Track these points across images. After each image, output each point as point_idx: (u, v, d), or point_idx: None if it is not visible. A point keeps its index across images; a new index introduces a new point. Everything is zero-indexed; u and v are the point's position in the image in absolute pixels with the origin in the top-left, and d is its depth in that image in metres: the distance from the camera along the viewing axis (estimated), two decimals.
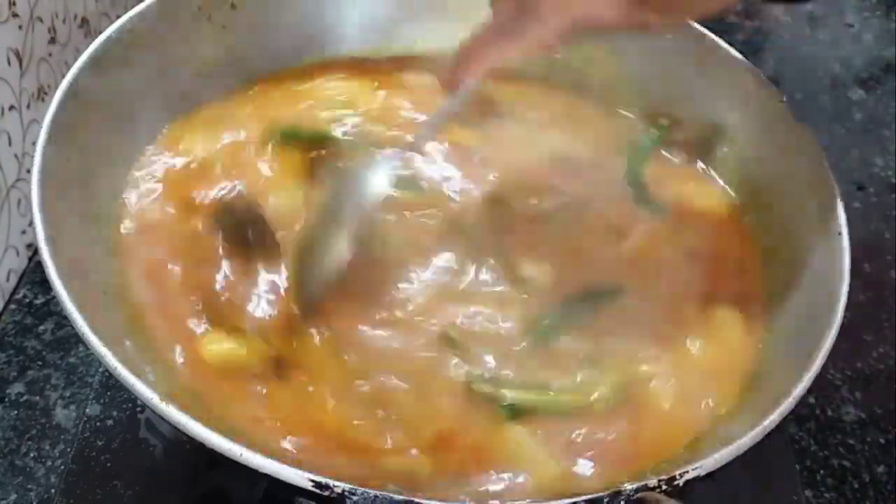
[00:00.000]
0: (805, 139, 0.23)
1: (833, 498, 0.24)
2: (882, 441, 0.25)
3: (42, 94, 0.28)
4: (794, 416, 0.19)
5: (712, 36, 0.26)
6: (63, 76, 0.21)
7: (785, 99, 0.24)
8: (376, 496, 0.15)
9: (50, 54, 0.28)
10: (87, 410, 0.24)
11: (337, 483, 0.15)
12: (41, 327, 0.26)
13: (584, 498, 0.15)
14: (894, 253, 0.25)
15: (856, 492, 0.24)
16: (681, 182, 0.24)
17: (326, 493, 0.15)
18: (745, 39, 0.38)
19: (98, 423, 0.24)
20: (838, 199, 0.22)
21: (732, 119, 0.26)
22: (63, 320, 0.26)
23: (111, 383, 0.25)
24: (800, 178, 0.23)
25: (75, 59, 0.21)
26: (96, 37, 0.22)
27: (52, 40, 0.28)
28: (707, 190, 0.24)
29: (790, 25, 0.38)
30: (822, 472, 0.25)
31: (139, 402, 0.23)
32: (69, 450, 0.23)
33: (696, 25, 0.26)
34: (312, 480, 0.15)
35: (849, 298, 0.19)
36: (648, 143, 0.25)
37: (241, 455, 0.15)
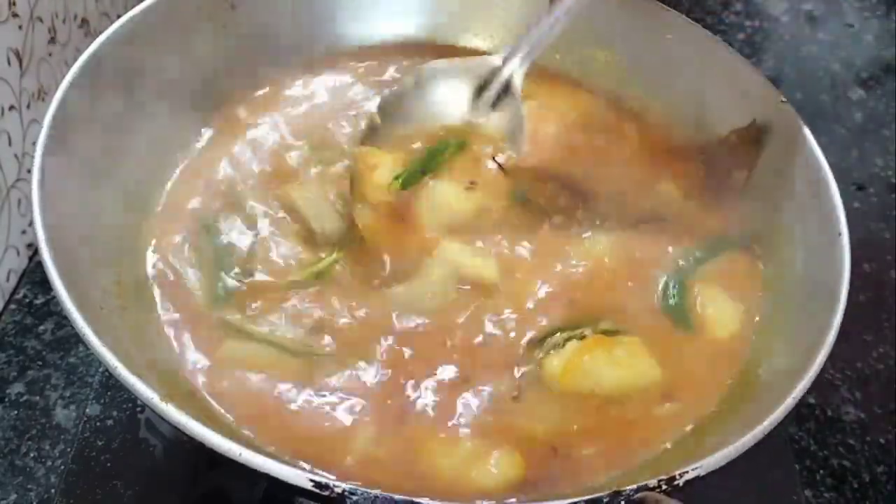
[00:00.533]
0: (805, 140, 0.23)
1: (833, 498, 0.24)
2: (882, 441, 0.25)
3: (42, 94, 0.28)
4: (794, 415, 0.19)
5: (713, 36, 0.26)
6: (63, 76, 0.21)
7: (784, 99, 0.24)
8: (377, 496, 0.15)
9: (50, 54, 0.28)
10: (87, 410, 0.24)
11: (337, 483, 0.15)
12: (41, 327, 0.27)
13: (584, 498, 0.15)
14: (894, 253, 0.25)
15: (855, 492, 0.24)
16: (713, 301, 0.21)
17: (326, 493, 0.15)
18: (746, 39, 0.38)
19: (98, 423, 0.24)
20: (838, 200, 0.22)
21: (732, 119, 0.26)
22: (63, 320, 0.26)
23: (111, 383, 0.25)
24: (800, 178, 0.23)
25: (75, 59, 0.21)
26: (96, 37, 0.22)
27: (52, 40, 0.28)
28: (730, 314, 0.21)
29: (790, 25, 0.38)
30: (821, 472, 0.25)
31: (139, 402, 0.23)
32: (69, 450, 0.23)
33: (698, 26, 0.26)
34: (312, 480, 0.15)
35: (849, 298, 0.19)
36: (693, 264, 0.22)
37: (240, 455, 0.15)
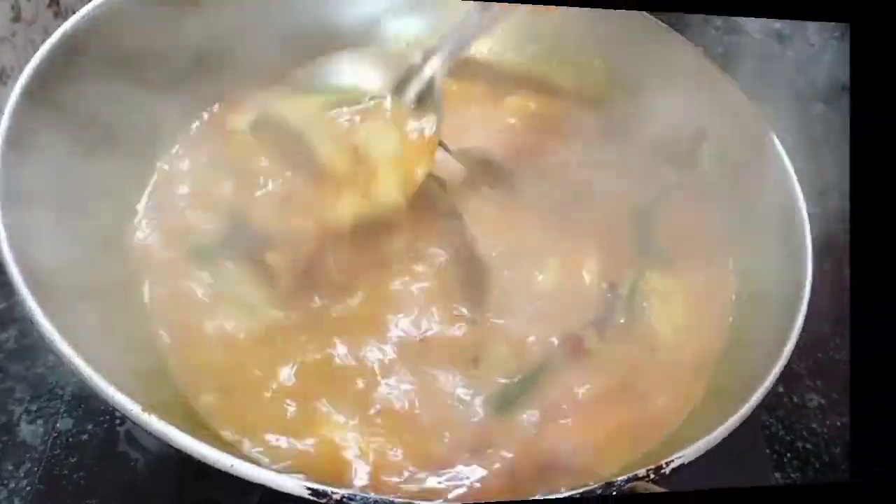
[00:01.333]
0: (772, 145, 0.25)
1: (798, 478, 0.26)
2: (838, 424, 0.28)
3: (4, 77, 0.25)
4: (765, 405, 0.21)
5: (693, 46, 0.28)
6: (28, 59, 0.19)
7: (755, 107, 0.26)
8: (376, 501, 0.15)
9: (13, 34, 0.26)
10: (58, 425, 0.23)
11: (336, 490, 0.15)
12: (3, 335, 0.25)
13: (578, 490, 0.16)
14: (849, 254, 0.27)
15: (817, 472, 0.27)
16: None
17: (324, 501, 0.14)
18: (723, 53, 0.40)
19: (70, 439, 0.22)
20: (802, 203, 0.23)
21: (712, 129, 0.27)
22: (28, 327, 0.24)
23: (85, 394, 0.23)
24: (767, 182, 0.25)
25: (43, 41, 0.20)
26: (67, 17, 0.20)
27: (16, 18, 0.26)
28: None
29: (763, 42, 0.41)
30: (788, 454, 0.27)
31: (118, 414, 0.22)
32: (36, 469, 0.22)
33: (682, 38, 0.28)
34: (309, 488, 0.14)
35: (810, 296, 0.21)
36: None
37: (232, 466, 0.15)
